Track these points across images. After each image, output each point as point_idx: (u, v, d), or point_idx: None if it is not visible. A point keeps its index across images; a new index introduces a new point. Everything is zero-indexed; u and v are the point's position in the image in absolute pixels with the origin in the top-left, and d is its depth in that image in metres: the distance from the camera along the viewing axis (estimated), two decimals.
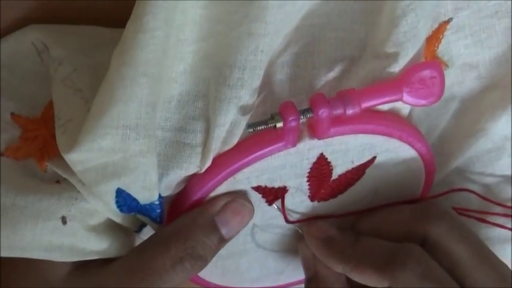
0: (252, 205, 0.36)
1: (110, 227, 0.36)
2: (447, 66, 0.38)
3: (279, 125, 0.31)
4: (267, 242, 0.40)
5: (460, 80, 0.39)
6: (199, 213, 0.35)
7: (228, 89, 0.31)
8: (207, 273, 0.40)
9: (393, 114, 0.34)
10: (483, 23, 0.38)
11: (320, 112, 0.31)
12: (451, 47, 0.38)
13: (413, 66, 0.32)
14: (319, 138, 0.33)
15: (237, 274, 0.42)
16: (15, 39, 0.37)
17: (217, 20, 0.32)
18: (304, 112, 0.31)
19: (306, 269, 0.39)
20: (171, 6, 0.30)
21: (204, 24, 0.32)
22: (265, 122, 0.31)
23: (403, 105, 0.34)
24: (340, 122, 0.32)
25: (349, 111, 0.31)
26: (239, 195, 0.36)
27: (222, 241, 0.35)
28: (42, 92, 0.37)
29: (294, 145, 0.33)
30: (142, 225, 0.38)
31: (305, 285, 0.40)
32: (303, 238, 0.38)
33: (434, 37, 0.37)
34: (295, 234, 0.40)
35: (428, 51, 0.37)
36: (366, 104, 0.32)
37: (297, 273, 0.44)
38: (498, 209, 0.42)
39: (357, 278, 0.35)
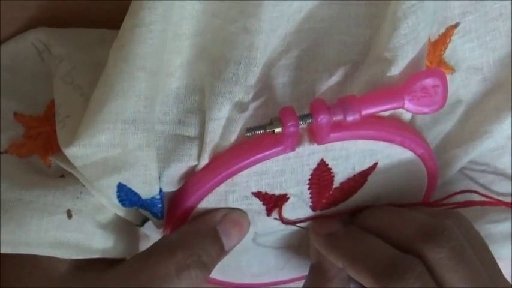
0: (248, 217, 0.37)
1: (116, 225, 0.36)
2: (454, 70, 0.38)
3: (278, 130, 0.31)
4: (268, 241, 0.40)
5: (465, 84, 0.39)
6: (202, 223, 0.35)
7: (222, 83, 0.31)
8: None
9: (394, 120, 0.34)
10: (488, 25, 0.37)
11: (319, 118, 0.31)
12: (457, 51, 0.38)
13: (416, 74, 0.31)
14: (318, 144, 0.33)
15: (237, 270, 0.42)
16: (15, 41, 0.37)
17: (214, 15, 0.32)
18: (303, 118, 0.31)
19: (312, 255, 0.39)
20: (169, 1, 0.30)
21: (201, 18, 0.32)
22: (263, 127, 0.31)
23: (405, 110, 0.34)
24: (340, 128, 0.32)
25: (349, 118, 0.31)
26: (237, 209, 0.36)
27: (223, 251, 0.36)
28: (44, 91, 0.37)
29: (292, 150, 0.33)
30: (145, 220, 0.39)
31: (309, 270, 0.39)
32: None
33: (441, 42, 0.37)
34: (296, 232, 0.40)
35: (434, 55, 0.36)
36: (366, 111, 0.31)
37: (297, 270, 0.44)
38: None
39: (354, 275, 0.34)
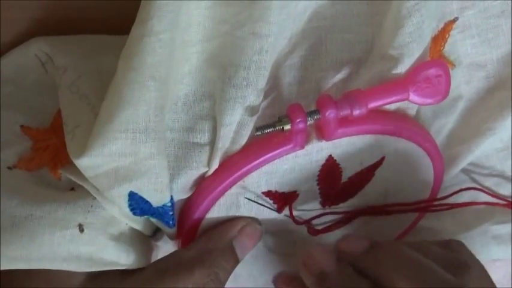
0: (262, 228, 0.37)
1: (128, 237, 0.36)
2: (454, 65, 0.39)
3: (287, 127, 0.32)
4: (278, 246, 0.40)
5: (467, 80, 0.39)
6: (219, 238, 0.36)
7: (233, 88, 0.32)
8: None
9: (400, 114, 0.35)
10: (490, 22, 0.38)
11: (327, 113, 0.31)
12: (458, 46, 0.38)
13: (419, 66, 0.32)
14: (327, 140, 0.33)
15: (249, 279, 0.42)
16: (18, 53, 0.37)
17: (222, 21, 0.32)
18: (311, 114, 0.32)
19: None
20: (176, 9, 0.30)
21: (208, 24, 0.33)
22: (273, 125, 0.32)
23: (410, 104, 0.35)
24: (347, 123, 0.33)
25: (356, 112, 0.32)
26: (252, 218, 0.37)
27: (237, 263, 0.36)
28: (49, 102, 0.37)
29: (302, 147, 0.33)
30: (157, 230, 0.39)
31: None
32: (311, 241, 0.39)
33: (440, 37, 0.38)
34: (307, 238, 0.40)
35: (434, 50, 0.37)
36: (372, 104, 0.32)
37: None
38: None
39: None
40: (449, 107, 0.39)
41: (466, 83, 0.39)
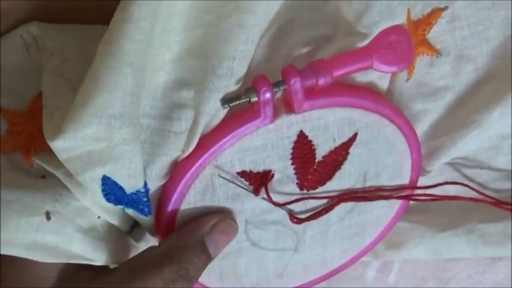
0: (237, 224, 0.37)
1: (99, 232, 0.36)
2: (440, 54, 0.39)
3: (254, 99, 0.32)
4: (262, 240, 0.40)
5: (456, 72, 0.39)
6: (191, 234, 0.35)
7: (217, 78, 0.32)
8: (205, 277, 0.39)
9: (369, 88, 0.35)
10: (480, 14, 0.38)
11: (292, 82, 0.32)
12: (447, 36, 0.39)
13: (381, 32, 0.33)
14: (295, 113, 0.33)
15: (235, 278, 0.41)
16: (5, 36, 0.38)
17: (206, 11, 0.33)
18: (277, 84, 0.32)
19: None
20: None
21: (192, 14, 0.33)
22: (238, 97, 0.32)
23: (380, 80, 0.35)
24: (314, 95, 0.33)
25: (321, 81, 0.32)
26: (226, 215, 0.37)
27: (209, 260, 0.36)
28: (29, 86, 0.37)
29: (271, 121, 0.33)
30: (134, 226, 0.38)
31: None
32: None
33: (424, 21, 0.38)
34: (290, 231, 0.39)
35: (415, 34, 0.37)
36: (337, 73, 0.32)
37: (297, 277, 0.43)
38: None
39: None
40: (435, 94, 0.39)
41: (454, 75, 0.39)
